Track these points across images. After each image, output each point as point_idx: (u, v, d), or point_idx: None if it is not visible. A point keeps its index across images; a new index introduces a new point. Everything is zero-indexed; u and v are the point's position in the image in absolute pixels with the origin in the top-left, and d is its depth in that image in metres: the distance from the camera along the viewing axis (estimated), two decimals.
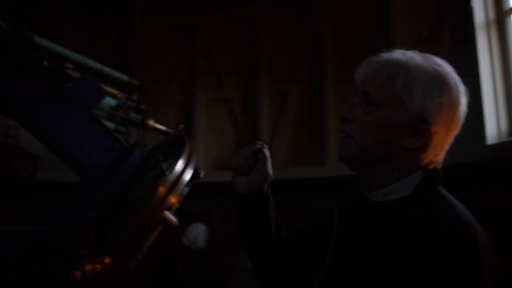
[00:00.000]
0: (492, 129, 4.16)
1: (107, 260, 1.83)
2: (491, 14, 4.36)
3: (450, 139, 1.22)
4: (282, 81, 6.30)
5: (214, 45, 6.66)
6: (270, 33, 6.35)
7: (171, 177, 1.85)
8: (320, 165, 5.68)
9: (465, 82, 1.24)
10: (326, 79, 5.88)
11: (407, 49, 1.27)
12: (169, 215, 1.89)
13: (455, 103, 1.19)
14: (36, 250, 1.77)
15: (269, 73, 6.34)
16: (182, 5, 6.78)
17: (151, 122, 2.72)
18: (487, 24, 4.33)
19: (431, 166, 1.21)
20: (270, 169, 1.43)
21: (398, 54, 1.24)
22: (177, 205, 1.88)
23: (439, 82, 1.18)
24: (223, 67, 6.64)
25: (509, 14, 4.28)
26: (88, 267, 1.77)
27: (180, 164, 1.90)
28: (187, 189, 1.93)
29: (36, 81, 1.98)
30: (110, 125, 2.56)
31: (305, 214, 2.15)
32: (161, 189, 1.82)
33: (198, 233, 5.70)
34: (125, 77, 2.82)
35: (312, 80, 6.07)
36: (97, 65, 2.67)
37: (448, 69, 1.22)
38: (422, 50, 1.29)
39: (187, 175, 1.90)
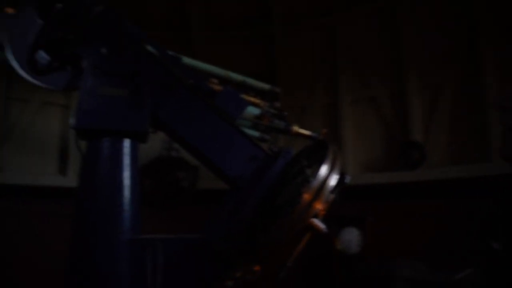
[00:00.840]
0: None
1: (256, 268, 1.85)
2: None
3: None
4: (433, 74, 5.83)
5: (355, 44, 6.48)
6: (416, 26, 5.95)
7: (315, 183, 1.79)
8: (484, 161, 5.09)
9: None
10: (486, 66, 5.27)
11: None
12: (316, 221, 1.83)
13: None
14: (192, 258, 1.87)
15: (417, 67, 5.93)
16: (321, 7, 6.73)
17: (295, 128, 2.71)
18: None
19: None
20: None
21: None
22: (323, 212, 1.81)
23: None
24: (367, 65, 6.41)
25: None
26: (239, 275, 1.81)
27: (324, 170, 1.83)
28: (333, 196, 1.85)
29: (184, 99, 2.11)
30: (255, 133, 2.62)
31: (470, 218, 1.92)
32: (306, 196, 1.78)
33: (351, 237, 5.56)
34: (266, 86, 2.87)
35: (467, 69, 5.50)
36: (240, 77, 2.77)
37: None
38: None
39: (332, 181, 1.83)
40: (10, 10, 2.92)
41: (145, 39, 2.21)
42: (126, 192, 1.87)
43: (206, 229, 2.05)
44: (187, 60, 2.62)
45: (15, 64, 2.50)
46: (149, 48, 2.26)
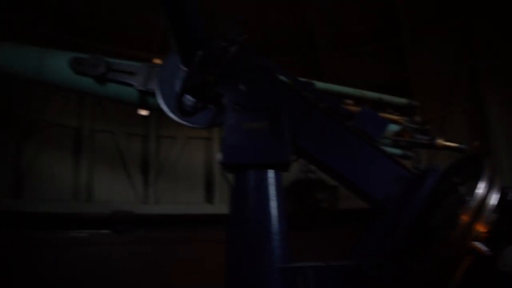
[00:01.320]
0: None
1: None
2: None
3: None
4: None
5: (496, 43, 5.88)
6: None
7: (473, 202, 1.64)
8: None
9: None
10: None
11: None
12: (478, 245, 1.67)
13: None
14: (343, 286, 1.83)
15: None
16: (453, 8, 6.28)
17: (440, 141, 2.54)
18: None
19: None
20: None
21: None
22: (485, 234, 1.64)
23: None
24: None
25: None
26: None
27: (482, 187, 1.67)
28: (494, 215, 1.67)
29: (322, 124, 2.12)
30: (396, 151, 2.51)
31: None
32: (464, 217, 1.63)
33: None
34: (403, 100, 2.74)
35: None
36: (375, 95, 2.68)
37: None
38: None
39: (492, 199, 1.66)
40: (157, 61, 3.26)
41: (278, 70, 2.28)
42: (275, 221, 1.92)
43: (355, 255, 1.99)
44: (319, 84, 2.63)
45: (165, 108, 2.76)
46: (282, 78, 2.32)
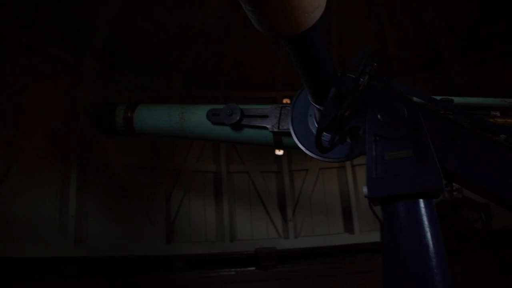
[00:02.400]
0: None
1: None
2: None
3: None
4: None
5: None
6: None
7: None
8: None
9: None
10: None
11: None
12: None
13: None
14: None
15: None
16: None
17: None
18: None
19: None
20: None
21: None
22: None
23: None
24: None
25: None
26: None
27: None
28: None
29: (470, 143, 1.99)
30: None
31: None
32: None
33: None
34: None
35: None
36: None
37: None
38: None
39: None
40: (286, 101, 3.36)
41: (413, 92, 2.20)
42: (435, 253, 1.82)
43: None
44: (458, 99, 2.49)
45: (302, 147, 2.82)
46: (417, 99, 2.24)
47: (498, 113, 2.40)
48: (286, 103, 3.26)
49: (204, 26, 6.36)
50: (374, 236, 5.48)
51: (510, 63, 6.12)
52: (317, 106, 2.40)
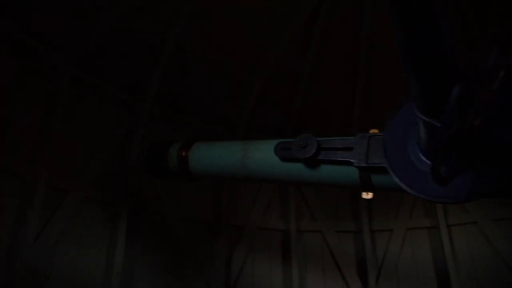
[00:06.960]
0: None
1: None
2: None
3: None
4: None
5: None
6: None
7: None
8: None
9: None
10: None
11: None
12: None
13: None
14: None
15: None
16: None
17: None
18: None
19: None
20: None
21: None
22: None
23: None
24: None
25: None
26: None
27: None
28: None
29: None
30: None
31: None
32: None
33: None
34: None
35: None
36: None
37: None
38: None
39: None
40: (374, 131, 2.61)
41: None
42: None
43: None
44: None
45: (403, 185, 2.14)
46: None
47: None
48: (375, 133, 2.55)
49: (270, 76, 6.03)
50: None
51: None
52: (426, 119, 1.68)
